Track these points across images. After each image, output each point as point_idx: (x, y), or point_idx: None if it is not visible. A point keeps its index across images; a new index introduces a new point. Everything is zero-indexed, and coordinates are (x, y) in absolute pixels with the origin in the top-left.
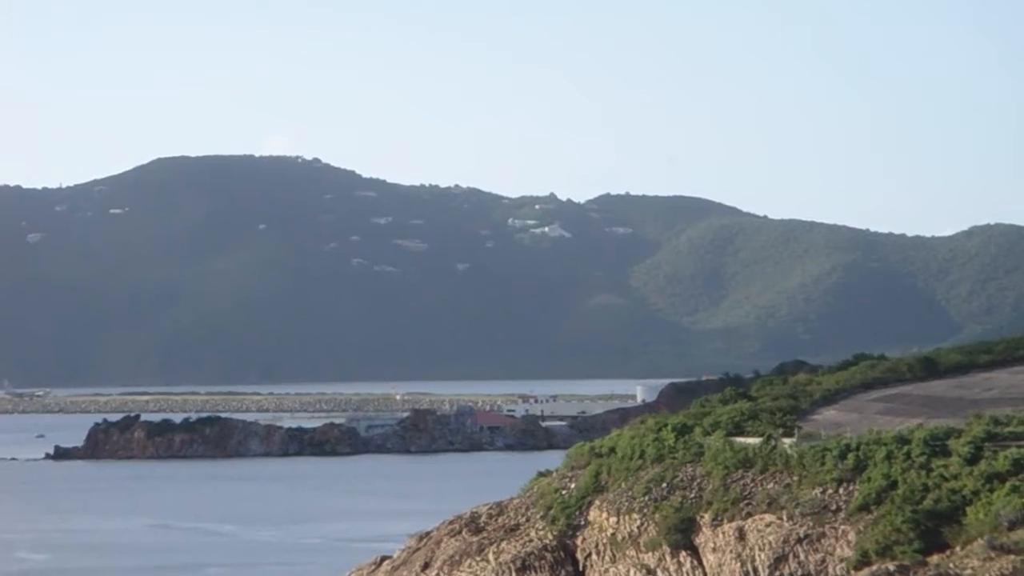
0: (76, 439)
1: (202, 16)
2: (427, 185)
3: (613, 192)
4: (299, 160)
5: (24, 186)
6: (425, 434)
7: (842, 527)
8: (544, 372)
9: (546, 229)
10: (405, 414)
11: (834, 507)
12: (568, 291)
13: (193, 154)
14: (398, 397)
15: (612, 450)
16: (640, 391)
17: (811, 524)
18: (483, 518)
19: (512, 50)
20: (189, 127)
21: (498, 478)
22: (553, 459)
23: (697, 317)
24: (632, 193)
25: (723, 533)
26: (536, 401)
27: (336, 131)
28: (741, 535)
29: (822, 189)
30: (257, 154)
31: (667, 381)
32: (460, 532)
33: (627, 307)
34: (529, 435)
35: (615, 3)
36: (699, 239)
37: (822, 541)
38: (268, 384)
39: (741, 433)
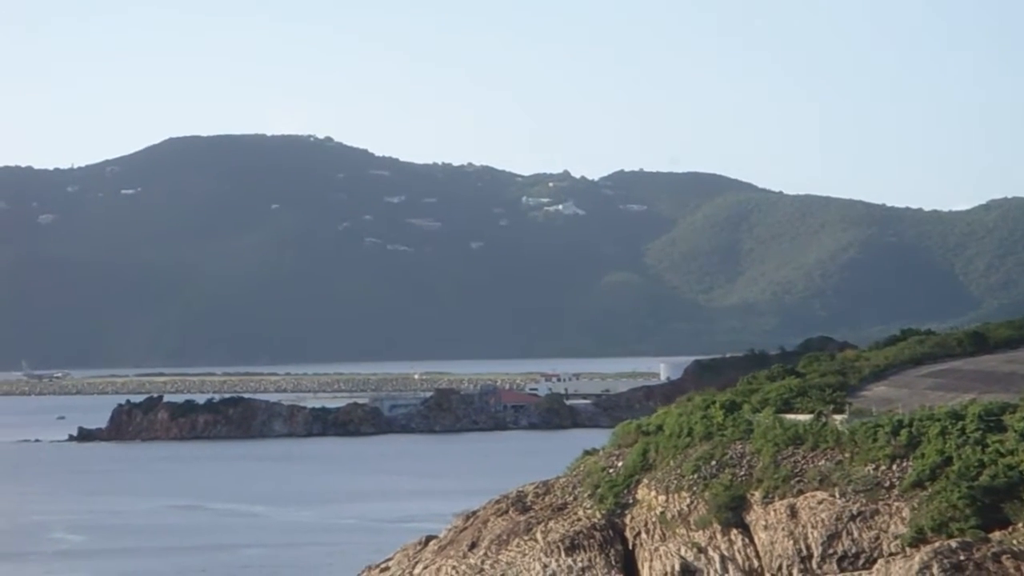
0: (97, 420)
1: None
2: (440, 163)
3: (627, 169)
4: (311, 139)
5: (35, 167)
6: (449, 414)
7: (896, 504)
8: (559, 351)
9: (560, 207)
10: (428, 394)
11: (887, 484)
12: (582, 269)
13: (205, 133)
14: (416, 376)
15: (660, 428)
16: (664, 369)
17: (864, 501)
18: (529, 497)
19: (524, 27)
20: (200, 106)
21: (526, 457)
22: (579, 437)
23: (713, 294)
24: (646, 170)
25: (774, 511)
26: (559, 379)
27: (348, 109)
28: (793, 513)
29: (837, 163)
30: (269, 133)
31: (691, 358)
32: (507, 511)
33: (642, 284)
34: (554, 414)
35: None
36: (714, 215)
37: (876, 518)
38: (281, 364)
39: (790, 410)
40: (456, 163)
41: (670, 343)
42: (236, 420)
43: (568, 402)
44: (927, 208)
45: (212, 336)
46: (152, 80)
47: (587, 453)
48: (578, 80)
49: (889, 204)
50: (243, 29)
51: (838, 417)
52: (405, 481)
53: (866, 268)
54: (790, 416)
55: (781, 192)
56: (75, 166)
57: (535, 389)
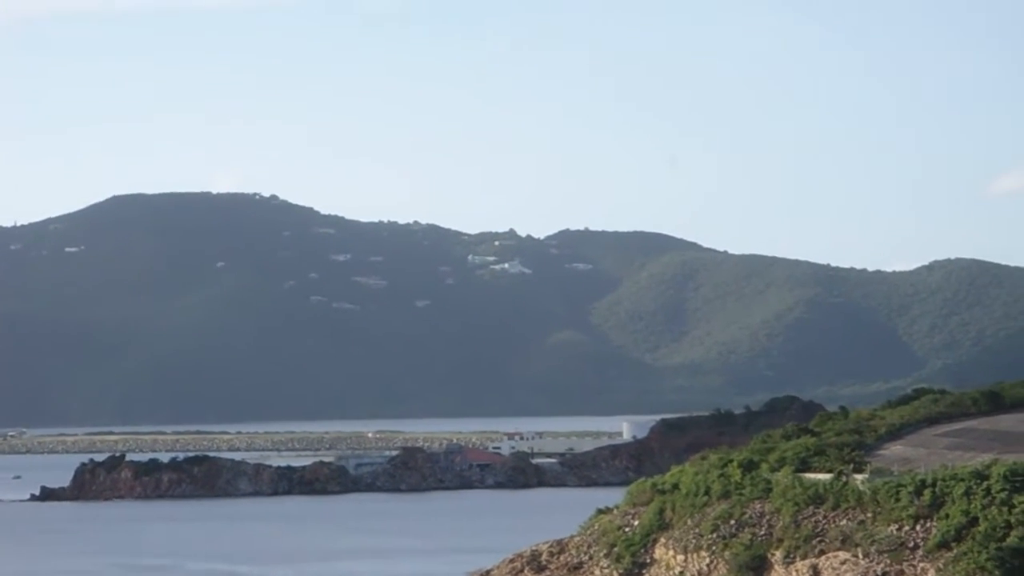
0: (53, 480)
1: (158, 54)
2: (386, 222)
3: (572, 228)
4: (257, 197)
5: None
6: (415, 472)
7: (921, 564)
8: (505, 409)
9: (506, 265)
10: (394, 452)
11: (911, 544)
12: (529, 328)
13: (149, 191)
14: (370, 435)
15: (675, 486)
16: (627, 428)
17: (888, 562)
18: (544, 556)
19: (470, 86)
20: (145, 164)
21: (499, 516)
22: (548, 496)
23: (658, 353)
24: (592, 228)
25: (796, 571)
26: (521, 438)
27: (294, 168)
28: (816, 573)
29: (782, 224)
30: (214, 191)
31: (654, 417)
32: (522, 571)
33: (588, 344)
34: (520, 473)
35: (574, 40)
36: (660, 275)
37: None
38: (228, 423)
39: (808, 469)
40: (402, 221)
41: (616, 402)
42: (201, 479)
43: (534, 461)
44: (871, 268)
45: (157, 395)
46: (96, 138)
47: (600, 512)
48: (524, 139)
49: (834, 264)
50: (188, 87)
51: (858, 476)
52: (383, 540)
53: (811, 328)
54: (809, 475)
55: (726, 252)
56: (18, 224)
57: (498, 448)
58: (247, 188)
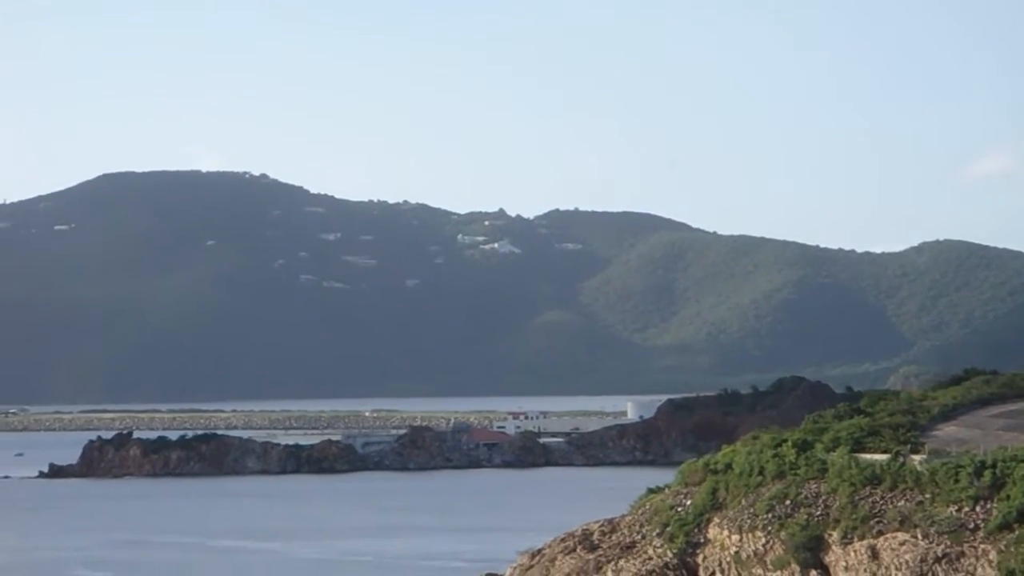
0: (55, 457)
1: (149, 32)
2: (376, 201)
3: (562, 208)
4: (247, 176)
5: None
6: (423, 451)
7: (982, 546)
8: (494, 389)
9: (495, 245)
10: (400, 431)
11: (972, 526)
12: (518, 308)
13: (139, 170)
14: (367, 414)
15: (728, 466)
16: (632, 408)
17: (948, 543)
18: (595, 535)
19: (459, 67)
20: (135, 142)
21: (506, 494)
22: (553, 475)
23: (648, 333)
24: (581, 209)
25: (854, 551)
26: (526, 418)
27: (284, 146)
28: (874, 554)
29: (771, 205)
30: (204, 169)
31: (660, 397)
32: (574, 550)
33: (577, 323)
34: (527, 452)
35: (562, 26)
36: (649, 255)
37: (962, 560)
38: (217, 401)
39: (862, 449)
40: (391, 200)
41: (605, 382)
42: (209, 457)
43: (541, 440)
44: (860, 250)
45: (147, 373)
46: (87, 115)
47: (651, 491)
48: (514, 118)
49: (823, 245)
50: (179, 65)
51: (916, 457)
52: (401, 517)
53: (800, 308)
54: (865, 456)
55: (715, 232)
56: (7, 202)
57: (502, 427)
58: (237, 167)
